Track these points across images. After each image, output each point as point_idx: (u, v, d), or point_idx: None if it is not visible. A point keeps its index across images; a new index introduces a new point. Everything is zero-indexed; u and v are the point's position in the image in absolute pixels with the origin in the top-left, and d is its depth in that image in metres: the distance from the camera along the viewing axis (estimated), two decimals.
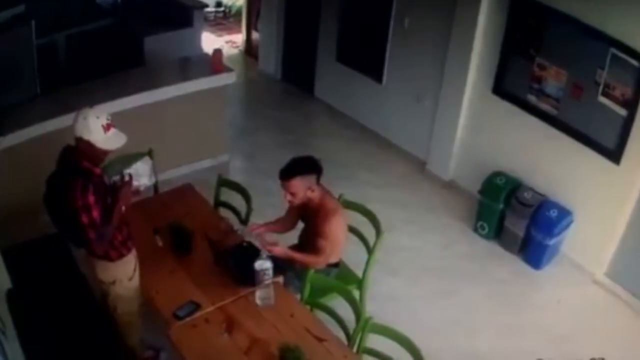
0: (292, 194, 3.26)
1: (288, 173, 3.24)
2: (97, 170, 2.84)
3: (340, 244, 3.41)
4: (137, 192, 3.05)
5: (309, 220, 3.44)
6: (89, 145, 2.73)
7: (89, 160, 2.78)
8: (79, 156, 2.76)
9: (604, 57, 3.97)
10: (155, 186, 4.13)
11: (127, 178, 2.91)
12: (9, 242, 3.71)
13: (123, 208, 2.89)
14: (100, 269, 3.03)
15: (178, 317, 2.97)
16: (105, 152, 2.80)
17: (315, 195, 3.29)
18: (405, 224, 4.91)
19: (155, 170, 3.28)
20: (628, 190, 4.07)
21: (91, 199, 2.70)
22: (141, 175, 3.02)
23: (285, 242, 3.67)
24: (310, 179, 3.25)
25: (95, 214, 2.73)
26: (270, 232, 3.57)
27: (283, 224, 3.63)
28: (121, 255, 3.00)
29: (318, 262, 3.31)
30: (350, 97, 6.51)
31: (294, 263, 3.34)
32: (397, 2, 5.59)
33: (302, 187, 3.24)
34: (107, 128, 2.74)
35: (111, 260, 2.98)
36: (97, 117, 2.72)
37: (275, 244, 3.25)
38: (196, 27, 6.79)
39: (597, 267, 4.40)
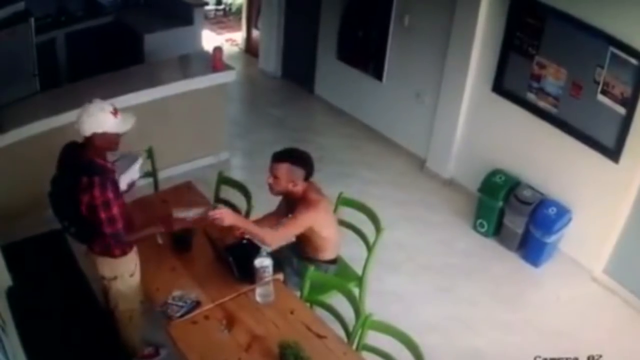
0: (275, 178, 3.22)
1: (281, 155, 3.24)
2: (110, 166, 2.88)
3: (335, 239, 3.40)
4: (132, 186, 3.12)
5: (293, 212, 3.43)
6: (103, 136, 2.76)
7: (102, 154, 2.82)
8: (92, 154, 2.78)
9: (603, 55, 3.98)
10: (156, 183, 4.15)
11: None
12: (9, 240, 3.73)
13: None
14: (101, 265, 3.05)
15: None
16: (118, 137, 2.83)
17: (297, 189, 3.25)
18: (404, 222, 4.92)
19: (142, 164, 3.32)
20: (627, 188, 4.08)
21: (110, 195, 2.74)
22: (129, 172, 3.08)
23: None
24: (298, 173, 3.22)
25: (115, 210, 2.76)
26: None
27: (272, 220, 3.61)
28: (124, 253, 3.02)
29: (267, 238, 3.14)
30: (350, 95, 6.51)
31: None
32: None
33: (287, 176, 3.21)
34: (115, 113, 2.79)
35: (113, 256, 2.99)
36: (102, 109, 2.76)
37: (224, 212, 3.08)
38: (196, 25, 6.80)
39: (595, 264, 4.41)
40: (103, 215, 2.74)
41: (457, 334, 3.94)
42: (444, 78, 5.28)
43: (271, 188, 3.30)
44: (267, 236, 3.16)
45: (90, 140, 2.76)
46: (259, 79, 7.73)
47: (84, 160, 2.78)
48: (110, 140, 2.80)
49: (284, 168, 3.21)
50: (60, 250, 3.64)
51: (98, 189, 2.71)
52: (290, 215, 3.28)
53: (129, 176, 3.09)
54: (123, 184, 3.02)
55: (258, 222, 3.60)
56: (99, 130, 2.73)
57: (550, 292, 4.37)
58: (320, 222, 3.30)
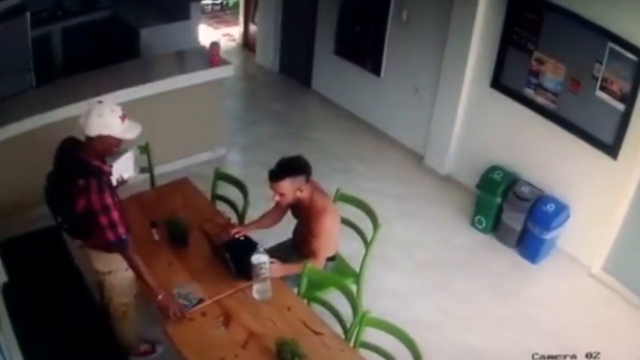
0: (282, 195, 3.24)
1: (278, 175, 3.21)
2: (107, 168, 2.82)
3: (335, 239, 3.40)
4: (122, 183, 3.06)
5: (301, 216, 3.44)
6: (107, 140, 2.71)
7: (100, 157, 2.76)
8: (90, 155, 2.73)
9: (602, 51, 3.96)
10: (152, 179, 4.12)
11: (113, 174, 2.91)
12: (5, 236, 3.71)
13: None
14: (96, 259, 3.03)
15: None
16: (120, 143, 2.79)
17: (304, 195, 3.27)
18: (402, 218, 4.91)
19: (137, 161, 3.27)
20: (625, 185, 4.07)
21: (109, 200, 2.69)
22: (125, 167, 3.01)
23: (278, 238, 3.69)
24: (300, 180, 3.23)
25: (116, 215, 2.72)
26: (255, 230, 3.54)
27: (271, 219, 3.60)
28: None
29: (317, 264, 3.29)
30: (348, 90, 6.49)
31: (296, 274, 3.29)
32: None
33: (292, 189, 3.22)
34: (123, 119, 2.73)
35: (108, 251, 2.97)
36: (113, 111, 2.71)
37: (274, 267, 3.15)
38: (193, 19, 6.75)
39: (594, 261, 4.41)
40: (104, 221, 2.69)
41: (455, 331, 3.94)
42: (443, 74, 5.26)
43: (280, 203, 3.33)
44: (315, 266, 3.24)
45: (93, 141, 2.71)
46: (257, 75, 7.70)
47: (81, 160, 2.72)
48: (111, 145, 2.76)
49: (286, 184, 3.21)
50: (55, 247, 3.62)
51: (95, 194, 2.66)
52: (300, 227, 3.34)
53: (118, 171, 3.02)
54: (112, 180, 2.95)
55: (258, 221, 3.59)
56: (106, 132, 2.68)
57: (549, 289, 4.37)
58: (336, 224, 3.34)
